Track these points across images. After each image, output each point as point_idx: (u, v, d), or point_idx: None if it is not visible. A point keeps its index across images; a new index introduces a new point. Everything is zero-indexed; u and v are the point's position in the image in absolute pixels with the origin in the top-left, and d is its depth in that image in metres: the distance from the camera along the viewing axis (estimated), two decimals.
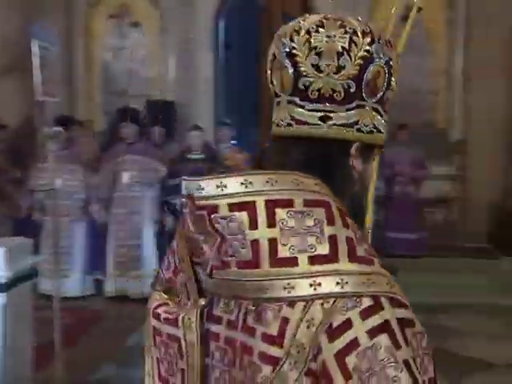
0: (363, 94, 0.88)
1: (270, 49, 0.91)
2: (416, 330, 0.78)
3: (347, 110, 0.87)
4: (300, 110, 0.88)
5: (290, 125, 0.89)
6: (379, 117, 0.90)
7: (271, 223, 0.80)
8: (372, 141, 0.90)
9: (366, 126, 0.89)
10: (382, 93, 0.89)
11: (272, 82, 0.92)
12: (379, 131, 0.91)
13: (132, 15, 8.36)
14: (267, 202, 0.80)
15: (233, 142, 6.33)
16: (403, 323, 0.77)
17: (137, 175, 5.70)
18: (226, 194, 0.81)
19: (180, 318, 0.88)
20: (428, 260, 7.09)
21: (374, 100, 0.89)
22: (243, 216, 0.80)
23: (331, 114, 0.87)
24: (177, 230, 0.97)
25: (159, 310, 0.94)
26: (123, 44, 8.42)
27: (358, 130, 0.89)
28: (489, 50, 7.44)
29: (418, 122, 7.93)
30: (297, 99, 0.87)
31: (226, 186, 0.81)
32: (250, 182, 0.81)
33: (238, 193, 0.81)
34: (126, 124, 5.75)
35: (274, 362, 0.77)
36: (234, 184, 0.81)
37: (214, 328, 0.87)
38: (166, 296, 0.96)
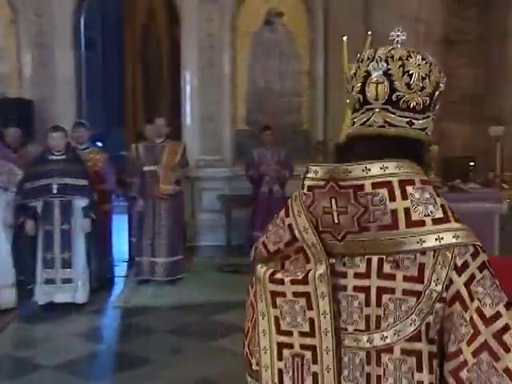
0: (431, 108, 1.22)
1: (359, 67, 1.23)
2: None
3: (423, 118, 1.20)
4: (392, 115, 1.19)
5: (382, 126, 1.19)
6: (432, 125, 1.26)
7: (404, 196, 1.12)
8: (429, 142, 1.25)
9: (430, 131, 1.23)
10: (436, 108, 1.24)
11: (363, 92, 1.21)
12: (429, 135, 1.26)
13: None
14: (399, 181, 1.13)
15: (98, 142, 7.86)
16: (489, 262, 1.16)
17: None
18: (370, 176, 1.12)
19: (310, 276, 1.14)
20: None
21: (434, 112, 1.23)
22: (384, 192, 1.12)
23: (414, 121, 1.19)
24: (280, 215, 1.23)
25: (279, 276, 1.20)
26: None
27: (426, 133, 1.22)
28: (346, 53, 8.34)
29: (284, 124, 8.11)
30: (389, 107, 1.19)
31: (370, 170, 1.13)
32: (386, 167, 1.13)
33: (378, 175, 1.12)
34: None
35: (418, 294, 1.12)
36: (375, 168, 1.13)
37: (341, 281, 1.17)
38: (271, 265, 1.24)
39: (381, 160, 1.14)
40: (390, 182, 1.13)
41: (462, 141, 8.51)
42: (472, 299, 1.12)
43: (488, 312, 1.11)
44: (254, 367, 1.35)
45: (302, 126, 8.91)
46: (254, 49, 8.84)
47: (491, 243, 6.83)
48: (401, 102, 1.19)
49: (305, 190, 1.19)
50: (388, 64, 1.21)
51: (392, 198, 1.12)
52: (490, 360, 1.10)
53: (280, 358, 1.22)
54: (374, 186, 1.13)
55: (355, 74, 1.24)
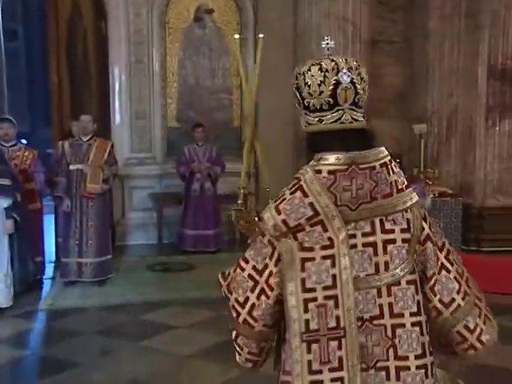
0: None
1: (326, 77, 1.52)
2: None
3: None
4: (355, 113, 1.55)
5: (351, 122, 1.55)
6: None
7: (394, 172, 1.54)
8: None
9: None
10: None
11: (334, 97, 1.52)
12: None
13: None
14: (389, 161, 1.55)
15: (22, 140, 7.58)
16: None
17: None
18: (377, 159, 1.52)
19: (335, 241, 1.46)
20: (225, 255, 7.58)
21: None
22: (385, 170, 1.52)
23: (364, 115, 1.58)
24: (297, 197, 1.49)
25: (307, 245, 1.48)
26: None
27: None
28: (274, 51, 7.89)
29: (215, 121, 8.07)
30: (354, 107, 1.54)
31: (377, 155, 1.53)
32: (383, 152, 1.55)
33: (381, 158, 1.53)
34: None
35: (408, 240, 1.55)
36: (381, 154, 1.54)
37: (352, 241, 1.50)
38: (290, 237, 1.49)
39: (379, 147, 1.56)
40: (385, 162, 1.54)
41: (389, 138, 8.76)
42: (434, 237, 1.62)
43: (440, 244, 1.64)
44: (256, 329, 1.59)
45: (232, 124, 8.93)
46: (185, 46, 8.77)
47: None
48: (359, 102, 1.56)
49: (324, 174, 1.50)
50: (351, 73, 1.53)
51: (389, 174, 1.53)
52: (446, 274, 1.62)
53: (306, 311, 1.48)
54: (381, 166, 1.52)
55: (323, 82, 1.52)
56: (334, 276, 1.47)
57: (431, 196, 7.31)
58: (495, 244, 7.47)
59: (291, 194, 1.50)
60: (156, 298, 5.82)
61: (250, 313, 1.56)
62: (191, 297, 5.83)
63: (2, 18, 8.16)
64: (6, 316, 5.25)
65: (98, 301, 5.73)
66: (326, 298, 1.47)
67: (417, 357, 1.53)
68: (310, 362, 1.47)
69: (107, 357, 4.46)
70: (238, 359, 1.73)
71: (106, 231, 6.42)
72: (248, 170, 1.72)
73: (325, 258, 1.48)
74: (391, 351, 1.52)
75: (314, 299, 1.47)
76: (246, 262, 1.56)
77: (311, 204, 1.47)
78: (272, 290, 1.53)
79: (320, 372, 1.47)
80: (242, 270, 1.57)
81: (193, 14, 8.83)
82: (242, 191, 1.92)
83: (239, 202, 1.90)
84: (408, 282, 1.54)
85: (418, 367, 1.53)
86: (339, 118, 1.54)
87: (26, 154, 6.18)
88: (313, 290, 1.47)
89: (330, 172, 1.50)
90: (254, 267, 1.54)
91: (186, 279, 6.52)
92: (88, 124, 6.29)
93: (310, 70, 1.55)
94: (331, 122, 1.54)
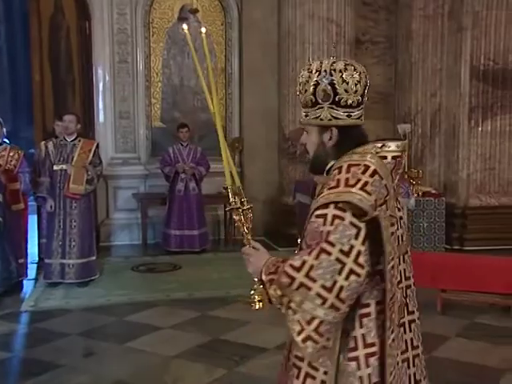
0: (363, 103, 1.73)
1: (310, 78, 1.70)
2: None
3: (358, 110, 1.72)
4: (335, 111, 1.68)
5: (331, 119, 1.68)
6: None
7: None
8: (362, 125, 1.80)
9: (363, 116, 1.78)
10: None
11: (363, 96, 1.72)
12: (362, 119, 1.79)
13: None
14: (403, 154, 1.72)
15: (5, 139, 6.78)
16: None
17: None
18: (403, 151, 1.70)
19: (397, 218, 1.70)
20: (210, 255, 7.67)
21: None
22: (403, 160, 1.72)
23: (351, 113, 1.70)
24: (376, 179, 1.60)
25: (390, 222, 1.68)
26: None
27: (362, 120, 1.77)
28: (259, 51, 8.48)
29: (199, 121, 8.07)
30: (334, 106, 1.67)
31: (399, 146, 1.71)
32: (399, 145, 1.71)
33: (399, 150, 1.71)
34: None
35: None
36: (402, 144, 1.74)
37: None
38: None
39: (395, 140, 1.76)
40: (402, 154, 1.73)
41: (374, 138, 8.78)
42: None
43: None
44: (342, 311, 1.58)
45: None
46: (169, 45, 8.74)
47: None
48: (341, 101, 1.68)
49: (389, 159, 1.66)
50: (332, 75, 1.67)
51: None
52: None
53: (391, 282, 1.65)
54: (399, 155, 1.72)
55: (307, 81, 1.70)
56: (393, 248, 1.65)
57: (415, 196, 7.36)
58: (478, 243, 7.55)
59: (370, 176, 1.59)
60: (140, 298, 5.79)
61: (337, 296, 1.54)
62: (176, 297, 5.81)
63: None
64: None
65: (81, 302, 5.68)
66: (392, 268, 1.64)
67: (414, 312, 1.83)
68: (389, 327, 1.64)
69: (91, 358, 4.42)
70: (310, 349, 1.58)
71: (90, 232, 6.35)
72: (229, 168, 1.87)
73: (392, 234, 1.64)
74: (405, 309, 1.75)
75: (390, 270, 1.63)
76: (332, 245, 1.54)
77: (385, 186, 1.61)
78: (363, 268, 1.55)
79: (389, 337, 1.64)
80: (329, 254, 1.54)
81: (177, 13, 8.81)
82: (229, 189, 1.88)
83: (232, 200, 1.85)
84: (409, 250, 1.84)
85: (417, 318, 1.85)
86: (361, 116, 1.75)
87: (12, 154, 6.09)
88: (389, 262, 1.62)
89: (393, 157, 1.67)
90: (340, 250, 1.54)
91: (171, 279, 6.49)
92: (71, 124, 6.21)
93: (346, 69, 1.68)
94: (356, 118, 1.73)
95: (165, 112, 8.80)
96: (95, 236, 6.58)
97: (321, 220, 1.58)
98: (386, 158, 1.66)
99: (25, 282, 6.23)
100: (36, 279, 6.38)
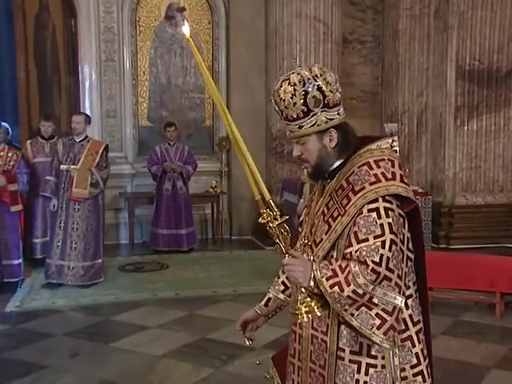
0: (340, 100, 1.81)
1: (296, 91, 1.72)
2: None
3: (341, 108, 1.79)
4: (329, 113, 1.74)
5: (327, 122, 1.75)
6: None
7: None
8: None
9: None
10: None
11: (306, 105, 1.72)
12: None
13: None
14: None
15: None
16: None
17: None
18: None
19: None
20: (198, 254, 7.65)
21: None
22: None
23: (340, 111, 1.77)
24: (396, 169, 1.76)
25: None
26: None
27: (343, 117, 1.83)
28: (246, 50, 8.50)
29: (187, 120, 8.14)
30: (326, 109, 1.73)
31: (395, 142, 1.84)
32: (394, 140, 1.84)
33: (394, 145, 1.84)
34: None
35: None
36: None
37: None
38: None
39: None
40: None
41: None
42: None
43: None
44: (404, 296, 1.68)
45: (204, 123, 8.91)
46: (156, 44, 8.71)
47: None
48: (330, 103, 1.73)
49: (398, 154, 1.80)
50: (316, 81, 1.72)
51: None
52: None
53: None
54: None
55: (293, 95, 1.72)
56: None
57: None
58: (464, 242, 7.60)
59: (399, 169, 1.75)
60: (127, 298, 5.77)
61: (404, 282, 1.67)
62: (163, 297, 5.80)
63: None
64: None
65: (67, 302, 5.64)
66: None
67: None
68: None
69: (76, 359, 4.39)
70: (391, 339, 1.65)
71: (97, 235, 6.15)
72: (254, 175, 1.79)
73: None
74: None
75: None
76: (396, 236, 1.65)
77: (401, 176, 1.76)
78: (412, 252, 1.73)
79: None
80: (396, 244, 1.64)
81: (164, 12, 8.78)
82: (259, 200, 1.79)
83: (266, 214, 1.75)
84: None
85: None
86: (316, 121, 1.75)
87: (10, 154, 6.03)
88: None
89: (396, 151, 1.82)
90: (401, 240, 1.67)
91: (158, 279, 6.47)
92: (78, 125, 6.07)
93: (324, 72, 1.76)
94: (343, 115, 1.79)
95: (152, 111, 8.76)
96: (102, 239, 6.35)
97: (375, 214, 1.65)
98: (396, 151, 1.81)
99: (13, 281, 6.13)
100: (22, 280, 6.30)
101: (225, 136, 8.77)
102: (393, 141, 1.82)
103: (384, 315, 1.59)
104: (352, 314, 1.61)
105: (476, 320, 5.13)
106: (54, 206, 6.04)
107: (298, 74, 1.72)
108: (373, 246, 1.61)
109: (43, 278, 6.12)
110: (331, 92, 1.73)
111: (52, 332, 4.87)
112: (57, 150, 6.18)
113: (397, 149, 1.82)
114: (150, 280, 6.41)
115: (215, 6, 8.77)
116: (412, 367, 1.76)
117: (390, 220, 1.63)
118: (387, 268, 1.60)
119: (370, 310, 1.60)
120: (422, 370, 1.78)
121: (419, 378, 1.78)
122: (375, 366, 1.72)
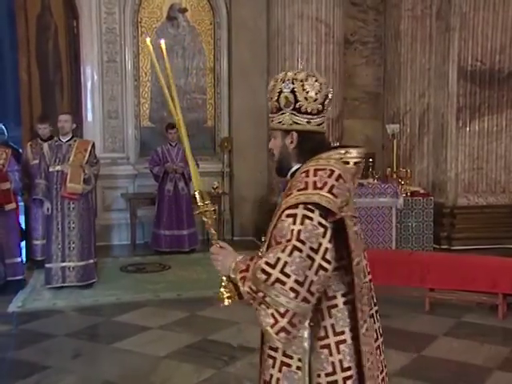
0: (324, 111, 1.85)
1: (275, 86, 1.84)
2: None
3: (318, 117, 1.84)
4: (296, 117, 1.81)
5: (291, 124, 1.82)
6: None
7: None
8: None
9: (325, 125, 1.90)
10: (329, 109, 1.88)
11: (278, 101, 1.83)
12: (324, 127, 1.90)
13: None
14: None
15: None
16: None
17: None
18: (362, 158, 1.87)
19: (357, 217, 1.85)
20: (200, 255, 7.57)
21: (326, 113, 1.88)
22: (363, 165, 1.88)
23: (311, 120, 1.82)
24: (341, 183, 1.75)
25: (352, 222, 1.80)
26: None
27: (323, 127, 1.89)
28: (248, 50, 8.51)
29: (188, 120, 7.85)
30: (295, 112, 1.81)
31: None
32: (360, 152, 1.86)
33: (359, 156, 1.86)
34: None
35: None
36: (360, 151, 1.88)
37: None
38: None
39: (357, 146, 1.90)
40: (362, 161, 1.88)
41: (363, 137, 8.84)
42: None
43: None
44: (311, 303, 1.70)
45: (206, 123, 8.90)
46: (158, 45, 8.69)
47: (389, 236, 7.15)
48: (301, 108, 1.80)
49: (351, 165, 1.82)
50: (293, 84, 1.81)
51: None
52: None
53: (358, 276, 1.78)
54: (360, 161, 1.86)
55: (273, 89, 1.84)
56: (358, 245, 1.79)
57: (403, 195, 7.39)
58: (466, 243, 7.60)
59: (336, 180, 1.73)
60: (129, 298, 5.77)
61: (308, 289, 1.66)
62: (165, 297, 5.80)
63: None
64: None
65: (69, 303, 5.65)
66: (357, 264, 1.77)
67: (376, 304, 1.96)
68: (361, 317, 1.78)
69: (78, 359, 4.39)
70: (283, 340, 1.70)
71: (89, 234, 6.19)
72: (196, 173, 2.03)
73: (355, 232, 1.78)
74: (372, 301, 1.90)
75: (357, 263, 1.77)
76: (303, 243, 1.66)
77: (348, 189, 1.76)
78: (330, 263, 1.69)
79: (362, 326, 1.78)
80: (301, 251, 1.66)
81: (166, 12, 8.79)
82: (197, 194, 1.93)
83: (200, 204, 1.90)
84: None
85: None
86: (322, 123, 1.85)
87: (7, 151, 6.05)
88: (353, 258, 1.76)
89: (355, 163, 1.83)
90: (310, 247, 1.66)
91: (160, 280, 6.47)
92: (66, 124, 6.08)
93: (307, 79, 1.82)
94: (317, 125, 1.84)
95: (153, 112, 8.77)
96: (94, 238, 6.39)
97: (291, 219, 1.69)
98: (348, 163, 1.82)
99: (14, 282, 6.14)
100: (24, 279, 6.31)
101: (226, 137, 8.79)
102: (346, 152, 1.84)
103: (277, 316, 1.66)
104: (256, 309, 1.71)
105: (478, 321, 5.12)
106: (47, 209, 6.02)
107: (286, 73, 1.85)
108: (275, 249, 1.67)
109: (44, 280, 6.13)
110: (305, 99, 1.80)
111: (54, 333, 4.87)
112: (43, 153, 6.17)
113: (351, 160, 1.83)
114: (152, 281, 6.42)
115: (217, 7, 8.78)
116: (327, 375, 1.76)
117: (302, 227, 1.66)
118: (282, 272, 1.64)
119: (267, 308, 1.67)
120: (336, 380, 1.76)
121: None
122: (289, 366, 1.79)
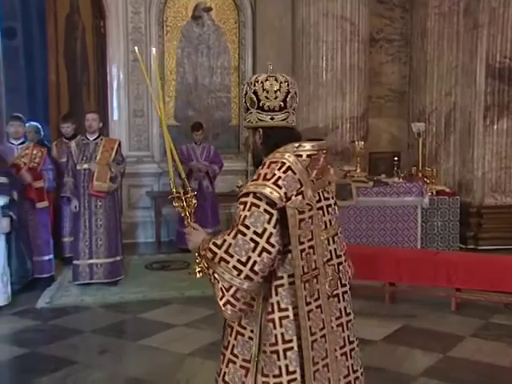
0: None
1: (243, 89, 2.08)
2: None
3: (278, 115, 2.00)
4: (260, 115, 2.00)
5: (257, 122, 2.01)
6: None
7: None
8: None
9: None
10: None
11: (246, 103, 2.03)
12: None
13: None
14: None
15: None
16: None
17: None
18: (320, 150, 2.03)
19: (313, 206, 1.98)
20: None
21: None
22: (321, 157, 2.02)
23: (274, 117, 2.00)
24: (290, 175, 1.91)
25: (301, 211, 1.93)
26: None
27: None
28: (273, 49, 8.45)
29: (213, 119, 8.30)
30: (259, 111, 2.00)
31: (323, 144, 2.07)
32: (314, 145, 2.02)
33: (313, 149, 2.00)
34: None
35: (335, 203, 2.16)
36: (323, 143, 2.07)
37: (317, 204, 2.05)
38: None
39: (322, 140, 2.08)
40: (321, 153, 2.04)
41: (388, 136, 8.77)
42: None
43: None
44: (255, 281, 1.89)
45: (231, 122, 8.93)
46: (183, 44, 8.77)
47: (414, 235, 7.09)
48: (264, 106, 2.00)
49: (304, 157, 1.96)
50: (255, 86, 2.01)
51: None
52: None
53: (302, 259, 1.92)
54: (325, 153, 2.04)
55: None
56: (311, 231, 1.94)
57: (429, 194, 7.32)
58: (493, 242, 7.50)
59: (284, 173, 1.90)
60: (154, 296, 5.83)
61: (251, 269, 1.87)
62: (190, 295, 5.84)
63: (1, 16, 8.17)
64: (3, 314, 5.26)
65: (96, 299, 5.73)
66: (309, 247, 1.93)
67: (347, 284, 2.12)
68: (305, 297, 1.92)
69: (105, 355, 4.46)
70: (229, 311, 1.94)
71: (116, 232, 6.28)
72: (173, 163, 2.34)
73: (309, 218, 1.93)
74: (338, 282, 2.06)
75: (304, 250, 1.91)
76: (247, 228, 1.87)
77: (299, 180, 1.92)
78: (273, 246, 1.88)
79: (310, 303, 1.94)
80: (244, 234, 1.87)
81: (191, 12, 8.83)
82: (171, 181, 2.25)
83: (173, 190, 2.25)
84: (340, 232, 2.14)
85: (348, 291, 2.12)
86: (286, 118, 2.02)
87: (35, 152, 6.13)
88: (303, 243, 1.91)
89: (308, 156, 1.97)
90: (254, 232, 1.87)
91: (185, 277, 6.50)
92: (94, 122, 6.18)
93: (267, 80, 2.00)
94: (280, 120, 2.01)
95: (179, 110, 8.82)
96: (120, 236, 6.46)
97: (242, 206, 1.90)
98: (301, 156, 1.96)
99: (43, 278, 6.22)
100: (52, 276, 6.41)
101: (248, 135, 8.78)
102: (299, 145, 1.98)
103: (224, 290, 1.91)
104: (213, 284, 1.96)
105: (506, 322, 5.05)
106: (75, 206, 6.11)
107: (251, 77, 2.06)
108: (225, 233, 1.93)
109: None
110: (266, 98, 1.99)
111: (81, 329, 4.95)
112: (71, 151, 6.27)
113: (303, 153, 1.96)
114: (177, 278, 6.46)
115: (242, 6, 8.80)
116: (270, 345, 1.95)
117: (248, 213, 1.87)
118: (226, 252, 1.88)
119: (218, 283, 1.92)
120: (277, 350, 1.95)
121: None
122: (243, 335, 2.00)
